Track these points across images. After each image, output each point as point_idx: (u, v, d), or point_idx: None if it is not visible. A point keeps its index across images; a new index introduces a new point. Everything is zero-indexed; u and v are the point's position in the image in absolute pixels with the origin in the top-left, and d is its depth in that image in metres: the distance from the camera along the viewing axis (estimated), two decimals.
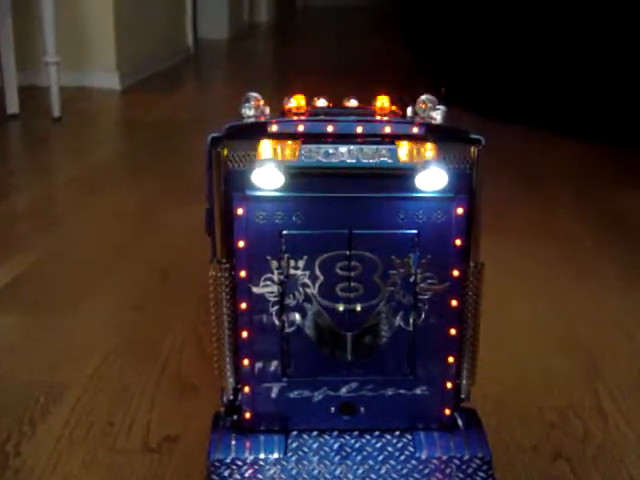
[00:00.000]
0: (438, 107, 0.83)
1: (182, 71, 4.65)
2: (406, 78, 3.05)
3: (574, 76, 2.90)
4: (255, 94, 0.84)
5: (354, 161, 0.80)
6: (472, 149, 0.82)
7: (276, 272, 0.84)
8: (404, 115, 0.85)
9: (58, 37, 3.04)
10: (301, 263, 0.83)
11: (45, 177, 2.41)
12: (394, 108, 0.88)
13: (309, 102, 0.90)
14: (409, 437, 0.90)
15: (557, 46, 2.95)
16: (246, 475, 0.84)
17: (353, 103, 0.92)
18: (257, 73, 4.51)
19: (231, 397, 0.89)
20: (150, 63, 4.21)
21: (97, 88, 3.74)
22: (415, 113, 0.84)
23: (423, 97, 0.85)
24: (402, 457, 0.87)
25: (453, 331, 0.87)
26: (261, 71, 4.74)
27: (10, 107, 3.04)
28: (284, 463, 0.86)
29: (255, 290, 0.84)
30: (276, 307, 0.85)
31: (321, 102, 0.92)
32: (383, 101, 0.89)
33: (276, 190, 0.80)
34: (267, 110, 0.85)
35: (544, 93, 3.01)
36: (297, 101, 0.88)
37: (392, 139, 0.81)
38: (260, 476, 0.84)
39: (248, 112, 0.83)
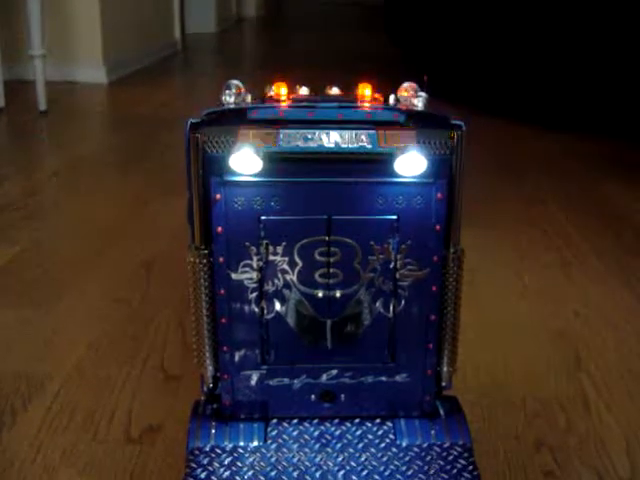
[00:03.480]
0: (420, 94, 0.83)
1: (169, 65, 4.64)
2: (391, 69, 3.05)
3: (558, 68, 2.91)
4: (236, 82, 0.84)
5: (333, 146, 0.80)
6: (452, 134, 0.82)
7: (255, 258, 0.83)
8: (386, 102, 0.85)
9: (44, 31, 3.03)
10: (280, 249, 0.83)
11: (30, 170, 2.40)
12: (376, 95, 0.88)
13: (291, 90, 0.89)
14: (390, 424, 0.89)
15: (541, 38, 2.95)
16: (225, 463, 0.84)
17: (335, 91, 0.92)
18: (245, 66, 4.51)
19: (211, 385, 0.89)
20: (137, 57, 4.20)
21: (84, 82, 3.73)
22: (397, 100, 0.84)
23: (405, 84, 0.85)
24: (382, 445, 0.87)
25: (433, 317, 0.86)
26: (249, 64, 4.74)
27: None
28: (264, 451, 0.86)
29: (234, 276, 0.84)
30: (255, 294, 0.84)
31: (303, 90, 0.91)
32: (365, 89, 0.88)
33: (254, 175, 0.80)
34: (248, 98, 0.84)
35: (528, 85, 3.01)
36: (278, 88, 0.87)
37: (372, 125, 0.81)
38: (239, 464, 0.84)
39: (228, 99, 0.82)
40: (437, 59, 3.45)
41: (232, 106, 0.81)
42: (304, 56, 4.67)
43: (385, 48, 4.50)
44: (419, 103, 0.82)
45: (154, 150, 2.58)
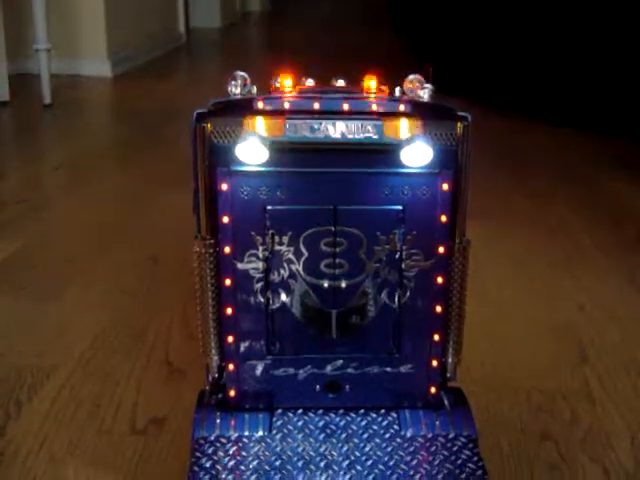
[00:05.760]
0: (425, 86, 0.83)
1: (174, 59, 4.64)
2: (396, 62, 3.05)
3: (562, 63, 2.91)
4: (242, 73, 0.84)
5: (339, 136, 0.80)
6: (458, 125, 0.82)
7: (261, 248, 0.83)
8: (392, 94, 0.85)
9: (49, 25, 3.04)
10: (285, 239, 0.83)
11: (34, 163, 2.40)
12: (382, 87, 0.88)
13: (297, 82, 0.89)
14: (394, 415, 0.89)
15: (545, 32, 2.95)
16: (230, 452, 0.84)
17: (341, 83, 0.92)
18: (249, 61, 4.50)
19: (216, 375, 0.89)
20: (142, 51, 4.21)
21: (88, 76, 3.74)
22: (403, 92, 0.84)
23: (411, 76, 0.85)
24: (387, 435, 0.87)
25: (439, 308, 0.86)
26: (253, 59, 4.73)
27: (0, 94, 3.03)
28: (269, 441, 0.86)
29: (239, 266, 0.84)
30: (260, 283, 0.84)
31: (309, 82, 0.91)
32: (370, 80, 0.88)
33: (260, 165, 0.80)
34: (254, 89, 0.84)
35: (532, 80, 3.01)
36: (284, 80, 0.88)
37: (378, 115, 0.81)
38: (244, 453, 0.84)
39: (235, 90, 0.82)
40: (440, 51, 3.44)
41: (238, 97, 0.82)
42: (308, 51, 4.67)
43: (388, 40, 4.51)
44: (425, 95, 0.82)
45: (159, 143, 2.58)
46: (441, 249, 0.84)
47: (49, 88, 3.05)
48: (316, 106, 0.80)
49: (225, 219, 0.82)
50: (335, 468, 0.83)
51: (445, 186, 0.82)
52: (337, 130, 0.80)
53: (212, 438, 0.86)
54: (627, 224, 1.93)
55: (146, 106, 3.19)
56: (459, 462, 0.84)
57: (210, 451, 0.84)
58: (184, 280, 1.46)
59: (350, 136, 0.80)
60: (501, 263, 1.64)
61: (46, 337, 1.30)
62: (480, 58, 3.24)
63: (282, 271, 0.84)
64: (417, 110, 0.81)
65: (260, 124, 0.80)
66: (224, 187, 0.81)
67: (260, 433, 0.87)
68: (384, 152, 0.80)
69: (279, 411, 0.89)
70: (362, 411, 0.90)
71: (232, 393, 0.89)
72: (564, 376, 1.21)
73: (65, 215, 1.91)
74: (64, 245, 1.71)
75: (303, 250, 0.83)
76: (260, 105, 0.80)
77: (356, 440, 0.86)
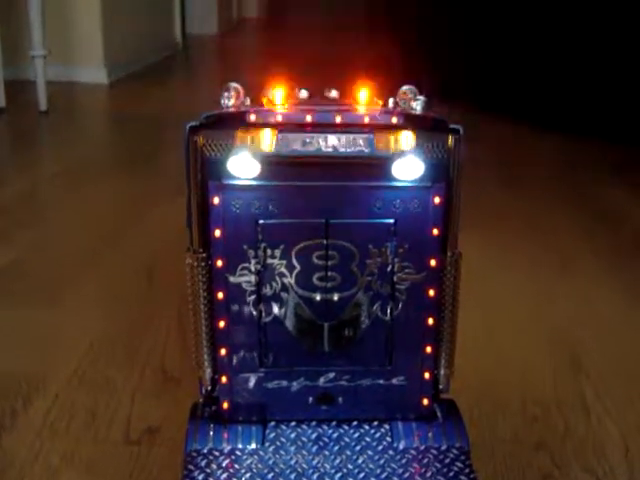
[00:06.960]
0: (418, 97, 0.83)
1: (170, 66, 4.64)
2: (391, 71, 3.05)
3: (559, 69, 2.91)
4: (235, 84, 0.84)
5: (331, 150, 0.80)
6: (450, 138, 0.82)
7: (253, 261, 0.83)
8: (385, 106, 0.85)
9: (45, 32, 3.04)
10: (278, 252, 0.83)
11: (30, 171, 2.40)
12: (375, 99, 0.88)
13: (290, 93, 0.89)
14: (387, 427, 0.89)
15: (543, 36, 2.96)
16: (223, 465, 0.84)
17: (334, 94, 0.92)
18: (245, 68, 4.50)
19: (209, 387, 0.89)
20: (138, 58, 4.21)
21: (84, 82, 3.74)
22: (396, 104, 0.84)
23: (404, 88, 0.85)
24: (380, 447, 0.87)
25: (431, 321, 0.87)
26: (249, 66, 4.73)
27: None
28: (261, 453, 0.86)
29: (232, 279, 0.84)
30: (253, 297, 0.85)
31: (302, 93, 0.91)
32: (363, 92, 0.88)
33: (252, 179, 0.80)
34: (247, 101, 0.84)
35: (529, 86, 3.01)
36: (277, 91, 0.88)
37: (370, 129, 0.81)
38: (237, 466, 0.84)
39: (227, 102, 0.82)
40: (438, 56, 3.44)
41: (231, 109, 0.82)
42: (304, 58, 4.67)
43: (386, 49, 4.50)
44: (418, 106, 0.82)
45: (154, 151, 2.58)
46: (433, 262, 0.85)
47: (45, 95, 3.06)
48: (308, 119, 0.80)
49: (217, 232, 0.82)
50: None
51: (437, 199, 0.82)
52: (329, 144, 0.80)
53: (205, 451, 0.86)
54: (622, 230, 1.93)
55: (142, 113, 3.19)
56: (451, 474, 0.84)
57: (203, 464, 0.84)
58: (179, 289, 1.46)
59: (342, 149, 0.80)
60: (494, 270, 1.64)
61: (41, 346, 1.30)
62: (484, 65, 3.24)
63: (274, 284, 0.84)
64: (409, 123, 0.81)
65: (252, 138, 0.80)
66: (216, 201, 0.81)
67: (253, 446, 0.87)
68: (376, 165, 0.80)
69: (272, 423, 0.89)
70: (355, 423, 0.90)
71: (225, 405, 0.89)
72: (558, 386, 1.22)
73: (60, 223, 1.91)
74: (60, 254, 1.71)
75: (295, 263, 0.83)
76: (252, 118, 0.80)
77: (349, 452, 0.86)
